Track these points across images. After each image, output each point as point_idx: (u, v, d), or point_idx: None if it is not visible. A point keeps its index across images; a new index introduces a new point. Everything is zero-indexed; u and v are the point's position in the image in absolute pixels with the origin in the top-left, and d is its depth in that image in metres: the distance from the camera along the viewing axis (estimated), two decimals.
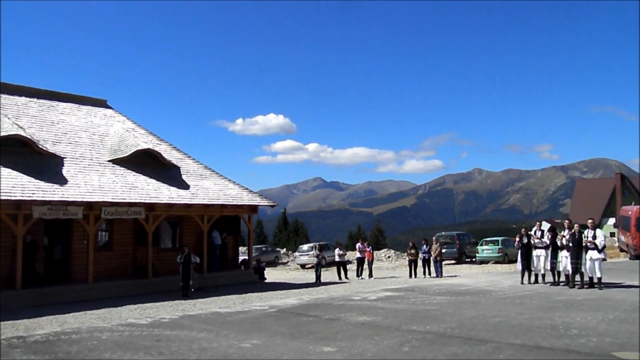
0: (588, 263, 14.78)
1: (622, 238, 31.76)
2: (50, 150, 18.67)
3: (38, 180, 16.69)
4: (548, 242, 16.19)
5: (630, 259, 27.75)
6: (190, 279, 17.79)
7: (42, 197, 16.14)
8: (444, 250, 27.16)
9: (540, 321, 9.86)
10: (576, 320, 9.89)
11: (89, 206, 17.36)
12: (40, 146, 18.33)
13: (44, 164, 17.85)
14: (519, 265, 17.56)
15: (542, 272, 16.83)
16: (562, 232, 15.80)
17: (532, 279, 17.09)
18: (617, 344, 7.86)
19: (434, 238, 26.25)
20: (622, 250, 32.25)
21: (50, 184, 16.83)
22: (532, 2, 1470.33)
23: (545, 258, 16.46)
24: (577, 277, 15.31)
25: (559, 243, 15.74)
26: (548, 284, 16.32)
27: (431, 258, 24.02)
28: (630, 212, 29.09)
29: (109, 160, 20.02)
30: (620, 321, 9.73)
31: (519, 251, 17.51)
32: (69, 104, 23.06)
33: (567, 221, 16.74)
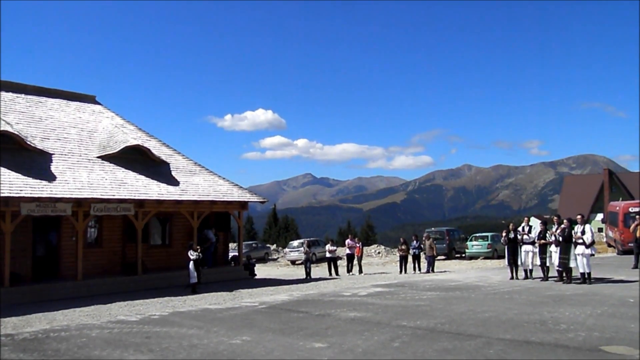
0: (578, 258, 14.92)
1: (610, 233, 32.09)
2: (38, 147, 18.49)
3: (26, 177, 16.52)
4: (535, 237, 16.32)
5: (617, 254, 28.04)
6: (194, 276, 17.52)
7: (31, 193, 15.99)
8: None
9: (529, 316, 9.94)
10: (565, 315, 9.97)
11: (78, 203, 17.21)
12: (29, 142, 18.16)
13: (32, 161, 17.68)
14: (506, 261, 17.69)
15: (531, 267, 16.96)
16: (552, 228, 15.92)
17: (521, 274, 17.18)
18: (605, 338, 7.93)
19: (424, 234, 26.33)
20: (609, 246, 32.58)
21: (38, 181, 16.68)
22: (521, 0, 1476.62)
23: (534, 253, 16.61)
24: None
25: (548, 239, 15.86)
26: (538, 280, 16.43)
27: (421, 254, 24.09)
28: (617, 208, 29.40)
29: (98, 157, 19.87)
30: (608, 316, 9.83)
31: (506, 247, 17.67)
32: (57, 100, 22.83)
33: (555, 217, 16.89)
